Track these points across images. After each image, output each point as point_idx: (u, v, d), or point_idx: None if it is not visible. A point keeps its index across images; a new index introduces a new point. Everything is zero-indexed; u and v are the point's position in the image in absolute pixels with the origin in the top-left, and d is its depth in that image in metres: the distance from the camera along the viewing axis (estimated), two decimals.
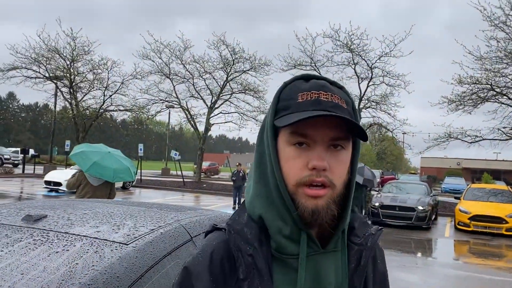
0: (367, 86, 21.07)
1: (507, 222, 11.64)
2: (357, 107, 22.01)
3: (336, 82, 0.89)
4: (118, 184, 18.51)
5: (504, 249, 10.36)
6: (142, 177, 23.73)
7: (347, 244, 0.90)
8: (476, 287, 6.72)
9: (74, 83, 22.66)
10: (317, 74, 0.90)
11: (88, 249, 1.47)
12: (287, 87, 0.89)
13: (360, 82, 21.23)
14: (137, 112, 24.64)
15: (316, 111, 0.81)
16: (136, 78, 23.05)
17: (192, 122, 24.21)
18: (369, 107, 21.77)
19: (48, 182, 17.12)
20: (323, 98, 0.84)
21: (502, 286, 6.65)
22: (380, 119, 22.43)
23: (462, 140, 19.75)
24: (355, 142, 0.89)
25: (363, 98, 21.41)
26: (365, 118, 23.25)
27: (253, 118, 24.70)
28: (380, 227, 0.99)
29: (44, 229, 1.63)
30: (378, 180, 13.83)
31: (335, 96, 0.85)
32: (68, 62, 22.21)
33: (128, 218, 1.90)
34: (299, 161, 0.83)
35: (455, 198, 14.80)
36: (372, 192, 14.29)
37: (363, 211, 13.52)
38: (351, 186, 0.89)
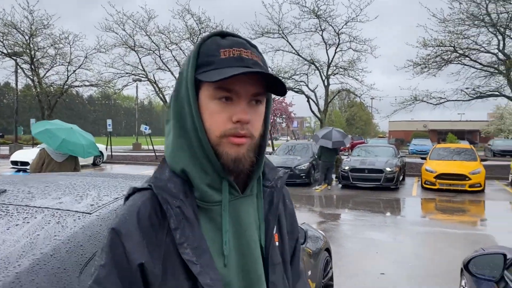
0: (335, 52, 21.13)
1: (470, 179, 12.16)
2: (325, 74, 22.12)
3: (249, 41, 0.94)
4: (89, 161, 18.20)
5: (467, 204, 10.87)
6: (113, 153, 23.36)
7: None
8: (441, 240, 7.05)
9: (35, 59, 21.70)
10: (231, 32, 0.94)
11: (50, 220, 1.46)
12: (205, 42, 0.91)
13: (327, 48, 21.27)
14: (103, 87, 23.97)
15: (241, 68, 0.86)
16: (100, 52, 22.27)
17: (161, 95, 23.76)
18: (337, 73, 21.92)
19: (14, 162, 16.63)
20: (245, 55, 0.89)
21: (465, 238, 7.00)
22: (348, 85, 22.66)
23: (428, 103, 20.26)
24: (267, 97, 0.97)
25: (331, 65, 21.50)
26: (334, 85, 23.45)
27: None
28: (286, 171, 1.08)
29: (3, 203, 1.60)
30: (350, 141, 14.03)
31: (254, 55, 0.91)
32: (26, 37, 21.19)
33: (92, 189, 1.88)
34: (223, 115, 0.88)
35: (422, 158, 15.29)
36: (342, 157, 14.57)
37: (334, 175, 13.83)
38: (265, 136, 0.97)
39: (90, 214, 1.53)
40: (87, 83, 23.23)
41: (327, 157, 12.79)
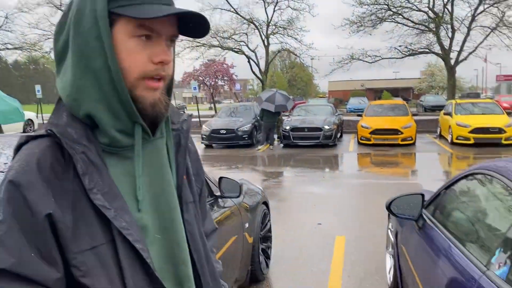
0: (274, 11, 20.99)
1: (402, 133, 12.83)
2: (265, 34, 21.92)
3: None
4: (18, 129, 17.12)
5: (400, 157, 11.52)
6: (45, 121, 22.12)
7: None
8: (374, 191, 7.46)
9: None
10: None
11: None
12: None
13: (266, 6, 21.06)
14: (29, 50, 22.30)
15: (165, 6, 0.83)
16: (23, 12, 20.61)
17: None
18: (276, 33, 21.87)
19: None
20: None
21: (396, 187, 7.44)
22: (287, 44, 22.74)
23: (364, 61, 20.87)
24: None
25: (270, 24, 21.37)
26: (274, 45, 23.43)
27: None
28: (190, 113, 1.09)
29: None
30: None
31: None
32: None
33: (6, 148, 1.79)
34: (144, 55, 0.84)
35: (358, 115, 15.87)
36: (283, 117, 14.78)
37: (276, 135, 14.05)
38: (173, 78, 0.94)
39: (3, 172, 1.44)
40: (10, 46, 21.51)
41: (269, 118, 12.94)
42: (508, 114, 14.32)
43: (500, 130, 12.06)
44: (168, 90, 0.93)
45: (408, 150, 12.33)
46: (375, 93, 49.81)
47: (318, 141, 12.97)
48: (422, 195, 2.53)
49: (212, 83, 27.39)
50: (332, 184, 8.35)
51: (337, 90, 52.88)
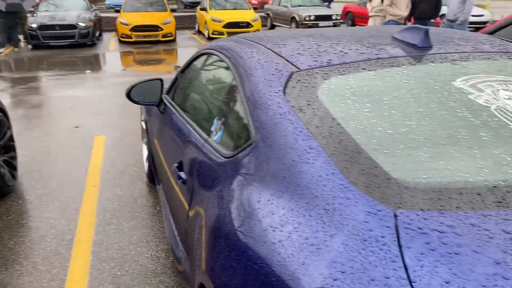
0: None
1: (162, 29, 12.78)
2: None
3: None
4: None
5: (162, 53, 11.57)
6: None
7: None
8: None
9: None
10: None
11: None
12: None
13: None
14: None
15: None
16: None
17: None
18: None
19: None
20: None
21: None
22: None
23: None
24: None
25: None
26: None
27: None
28: None
29: None
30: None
31: None
32: None
33: None
34: None
35: (116, 11, 14.93)
36: (27, 14, 12.69)
37: (21, 35, 12.08)
38: None
39: None
40: None
41: (5, 16, 10.90)
42: (255, 9, 15.80)
43: (248, 24, 13.28)
44: None
45: (170, 47, 12.47)
46: None
47: (74, 40, 11.80)
48: (161, 80, 2.59)
49: None
50: (93, 85, 7.88)
51: None
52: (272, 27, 16.28)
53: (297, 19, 14.33)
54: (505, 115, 1.32)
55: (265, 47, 1.81)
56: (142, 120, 3.70)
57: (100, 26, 14.40)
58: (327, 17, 14.41)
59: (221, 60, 1.97)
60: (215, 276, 1.27)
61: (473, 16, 12.07)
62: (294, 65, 1.59)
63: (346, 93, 1.43)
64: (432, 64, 1.58)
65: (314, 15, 14.23)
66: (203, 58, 2.33)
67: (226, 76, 1.90)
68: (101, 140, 4.70)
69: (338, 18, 14.68)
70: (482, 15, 13.21)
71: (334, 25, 14.47)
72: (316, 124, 1.30)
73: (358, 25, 15.19)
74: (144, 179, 3.73)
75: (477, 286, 0.82)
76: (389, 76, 1.51)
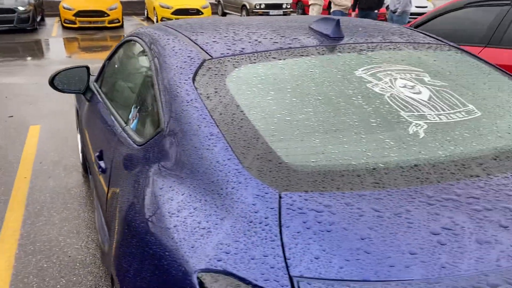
0: None
1: (108, 15, 12.36)
2: None
3: None
4: None
5: (109, 40, 11.21)
6: None
7: None
8: None
9: None
10: None
11: None
12: None
13: None
14: None
15: None
16: None
17: None
18: None
19: None
20: None
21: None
22: None
23: None
24: None
25: None
26: None
27: None
28: None
29: None
30: None
31: None
32: None
33: None
34: None
35: None
36: None
37: None
38: None
39: None
40: None
41: None
42: None
43: (198, 11, 13.11)
44: None
45: (117, 33, 12.09)
46: None
47: (13, 25, 11.19)
48: (87, 67, 2.53)
49: None
50: (32, 73, 7.52)
51: None
52: (224, 14, 16.15)
53: (248, 7, 14.30)
54: (397, 102, 1.40)
55: (183, 34, 1.81)
56: (76, 109, 3.60)
57: (42, 10, 13.74)
58: (278, 6, 14.47)
59: (142, 47, 1.96)
60: (118, 265, 1.28)
61: (416, 7, 12.55)
62: (207, 53, 1.60)
63: (253, 81, 1.46)
64: (340, 53, 1.65)
65: (265, 4, 14.25)
66: (127, 45, 2.29)
67: (145, 64, 1.89)
68: (36, 130, 4.53)
69: (289, 6, 14.77)
70: (425, 7, 13.70)
71: (284, 14, 14.57)
72: (220, 111, 1.33)
73: (308, 14, 15.37)
74: (80, 170, 3.64)
75: (341, 260, 0.88)
76: (297, 65, 1.56)
